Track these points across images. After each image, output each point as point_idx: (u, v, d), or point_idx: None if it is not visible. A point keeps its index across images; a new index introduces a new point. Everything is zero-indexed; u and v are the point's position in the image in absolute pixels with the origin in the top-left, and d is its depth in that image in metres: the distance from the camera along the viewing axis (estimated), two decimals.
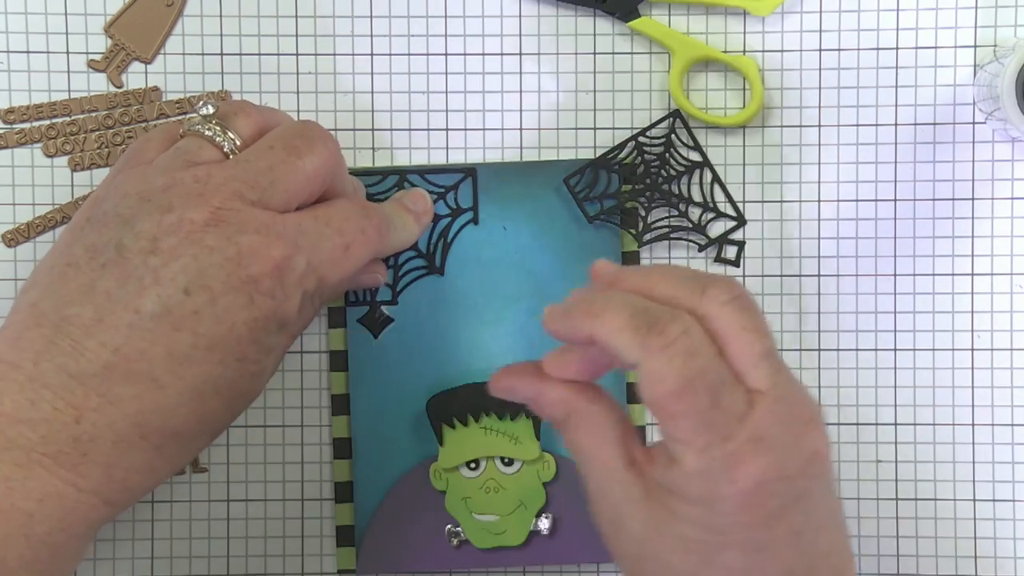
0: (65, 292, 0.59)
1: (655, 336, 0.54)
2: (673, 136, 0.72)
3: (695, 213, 0.73)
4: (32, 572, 0.56)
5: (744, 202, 0.73)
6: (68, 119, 0.73)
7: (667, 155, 0.72)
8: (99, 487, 0.58)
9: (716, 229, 0.73)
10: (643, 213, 0.72)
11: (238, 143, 0.63)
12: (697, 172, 0.73)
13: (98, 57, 0.73)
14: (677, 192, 0.73)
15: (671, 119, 0.72)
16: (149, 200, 0.60)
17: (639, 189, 0.72)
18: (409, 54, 0.73)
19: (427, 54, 0.73)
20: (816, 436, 0.56)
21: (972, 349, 0.73)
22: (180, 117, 0.73)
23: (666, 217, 0.73)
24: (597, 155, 0.73)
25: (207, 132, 0.63)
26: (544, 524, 0.73)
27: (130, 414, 0.58)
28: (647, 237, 0.72)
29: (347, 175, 0.67)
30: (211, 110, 0.64)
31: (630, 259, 0.73)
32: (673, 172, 0.72)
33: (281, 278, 0.60)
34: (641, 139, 0.72)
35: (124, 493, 0.59)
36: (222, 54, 0.73)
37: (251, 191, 0.60)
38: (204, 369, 0.59)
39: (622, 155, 0.72)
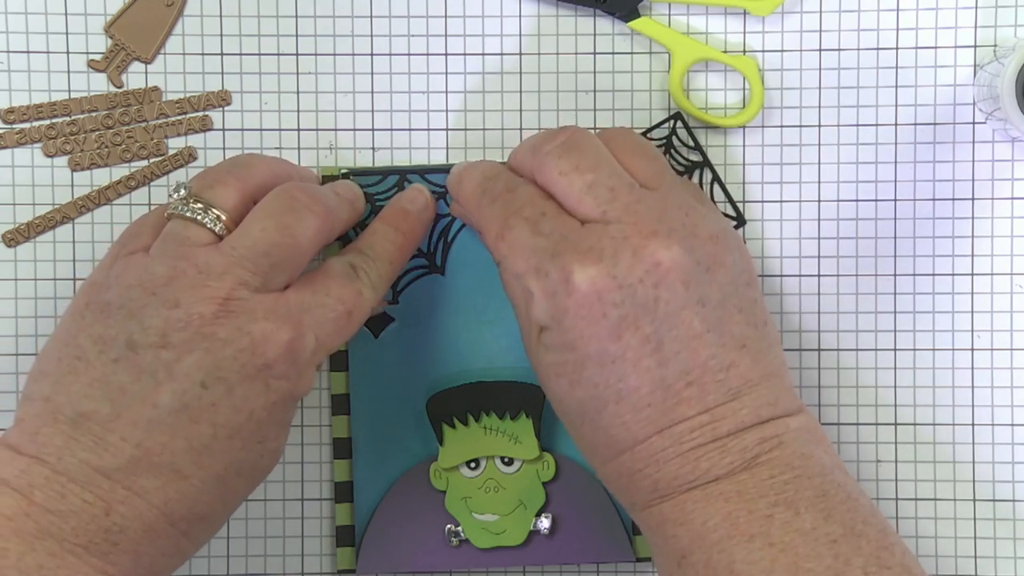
0: (78, 387, 0.60)
1: (487, 197, 0.64)
2: (674, 137, 0.72)
3: None
4: None
5: (744, 202, 0.73)
6: (68, 119, 0.73)
7: (668, 156, 0.72)
8: (128, 573, 0.58)
9: None
10: None
11: (223, 219, 0.63)
12: (697, 172, 0.73)
13: (98, 57, 0.73)
14: None
15: (672, 121, 0.72)
16: (154, 294, 0.60)
17: None
18: (409, 54, 0.73)
19: (427, 54, 0.73)
20: (655, 246, 0.60)
21: (972, 349, 0.73)
22: (179, 117, 0.73)
23: None
24: None
25: (188, 213, 0.63)
26: (544, 524, 0.72)
27: (156, 504, 0.59)
28: None
29: (340, 214, 0.68)
30: (184, 192, 0.64)
31: None
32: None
33: (293, 359, 0.61)
34: None
35: (151, 574, 0.60)
36: (222, 54, 0.73)
37: (254, 277, 0.61)
38: (226, 456, 0.60)
39: None
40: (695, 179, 0.73)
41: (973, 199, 0.73)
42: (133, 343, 0.59)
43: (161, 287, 0.60)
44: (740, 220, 0.73)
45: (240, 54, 0.73)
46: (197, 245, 0.62)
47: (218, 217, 0.63)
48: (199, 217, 0.63)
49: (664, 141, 0.72)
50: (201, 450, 0.59)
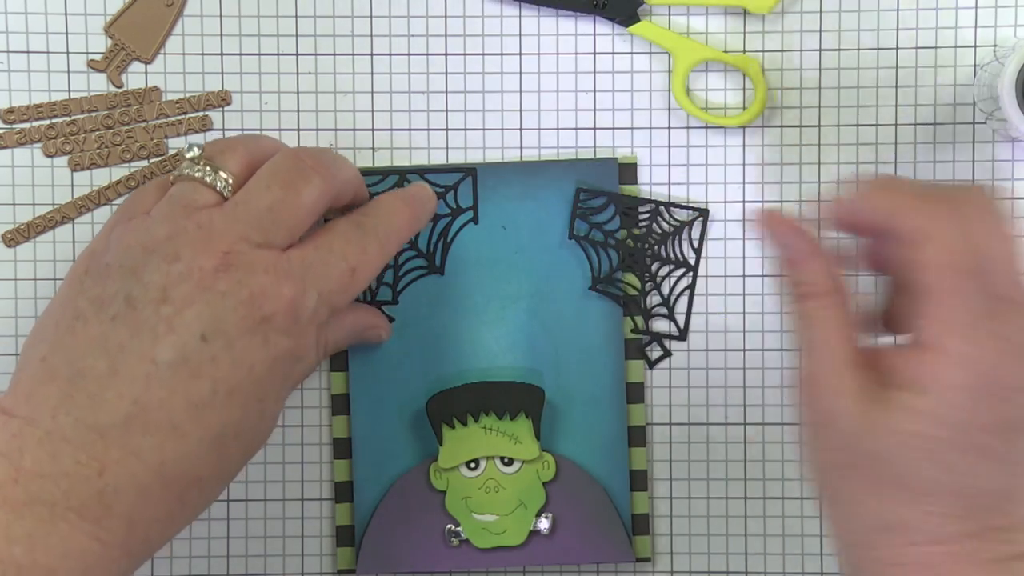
0: (76, 345, 0.59)
1: (943, 203, 0.56)
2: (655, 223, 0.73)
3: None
4: None
5: (744, 202, 0.73)
6: (68, 119, 0.73)
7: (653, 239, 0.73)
8: (121, 540, 0.57)
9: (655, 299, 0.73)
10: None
11: (231, 181, 0.63)
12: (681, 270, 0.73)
13: (98, 57, 0.73)
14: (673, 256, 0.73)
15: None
16: (154, 251, 0.60)
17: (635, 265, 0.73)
18: (409, 54, 0.73)
19: (427, 54, 0.73)
20: None
21: None
22: (179, 117, 0.73)
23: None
24: (597, 155, 0.73)
25: (197, 174, 0.63)
26: (544, 524, 0.73)
27: (152, 465, 0.58)
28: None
29: (346, 182, 0.67)
30: (197, 152, 0.64)
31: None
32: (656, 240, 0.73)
33: (295, 315, 0.61)
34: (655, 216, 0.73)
35: (144, 545, 0.59)
36: (222, 54, 0.73)
37: (255, 233, 0.61)
38: (226, 413, 0.59)
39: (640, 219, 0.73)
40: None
41: None
42: (132, 299, 0.59)
43: (161, 244, 0.60)
44: (682, 335, 0.73)
45: (240, 54, 0.73)
46: (201, 207, 0.62)
47: (226, 180, 0.63)
48: (208, 178, 0.63)
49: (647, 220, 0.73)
50: (200, 406, 0.58)
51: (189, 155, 0.64)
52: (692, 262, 0.73)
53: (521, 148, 0.73)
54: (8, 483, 0.56)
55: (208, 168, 0.63)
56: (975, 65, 0.72)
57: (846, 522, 0.58)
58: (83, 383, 0.58)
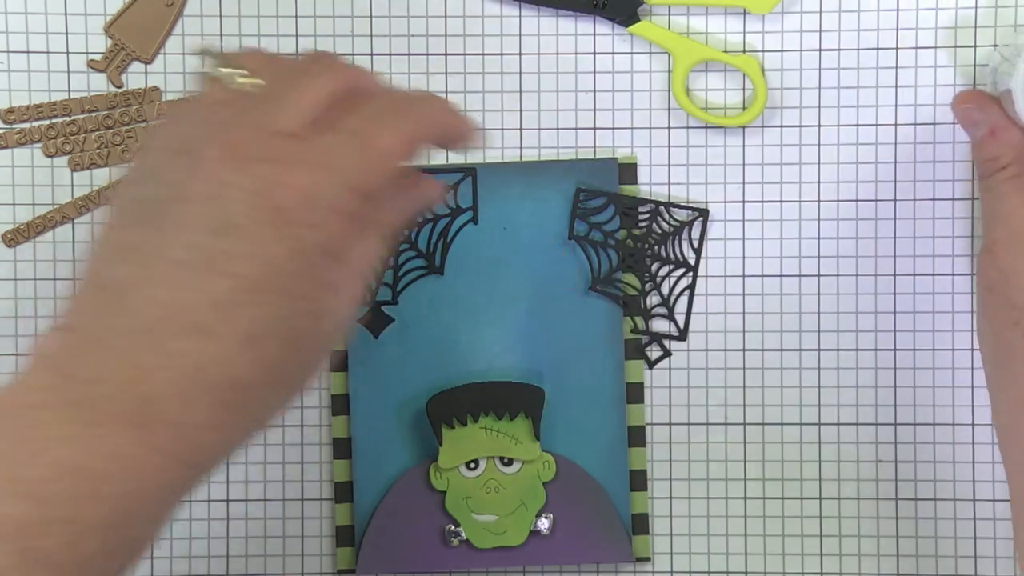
0: (107, 252, 0.58)
1: None
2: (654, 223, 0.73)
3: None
4: (103, 536, 0.54)
5: (744, 202, 0.73)
6: (68, 119, 0.73)
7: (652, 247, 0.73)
8: (168, 446, 0.56)
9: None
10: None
11: (244, 81, 0.61)
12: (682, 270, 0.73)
13: (98, 57, 0.73)
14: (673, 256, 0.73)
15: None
16: (170, 148, 0.58)
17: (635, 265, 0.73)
18: (409, 54, 0.73)
19: (427, 54, 0.73)
20: None
21: (972, 349, 0.73)
22: None
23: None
24: (597, 156, 0.73)
25: (213, 73, 0.61)
26: (544, 524, 0.73)
27: (187, 368, 0.56)
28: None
29: (377, 88, 0.62)
30: (215, 48, 0.63)
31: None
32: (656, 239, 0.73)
33: (311, 203, 0.57)
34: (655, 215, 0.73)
35: (198, 452, 0.57)
36: None
37: (263, 119, 0.58)
38: (251, 311, 0.56)
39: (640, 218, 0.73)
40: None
41: (973, 199, 0.73)
42: (152, 200, 0.57)
43: (176, 142, 0.58)
44: (682, 335, 0.73)
45: None
46: (218, 102, 0.60)
47: (248, 79, 0.61)
48: (224, 74, 0.61)
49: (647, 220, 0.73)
50: (223, 305, 0.55)
51: (203, 50, 0.62)
52: (692, 262, 0.73)
53: (521, 148, 0.73)
54: (55, 387, 0.55)
55: (224, 66, 0.61)
56: (975, 65, 0.72)
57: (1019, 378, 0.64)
58: (115, 290, 0.57)
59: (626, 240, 0.73)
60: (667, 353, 0.73)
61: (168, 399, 0.55)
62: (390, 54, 0.73)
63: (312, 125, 0.58)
